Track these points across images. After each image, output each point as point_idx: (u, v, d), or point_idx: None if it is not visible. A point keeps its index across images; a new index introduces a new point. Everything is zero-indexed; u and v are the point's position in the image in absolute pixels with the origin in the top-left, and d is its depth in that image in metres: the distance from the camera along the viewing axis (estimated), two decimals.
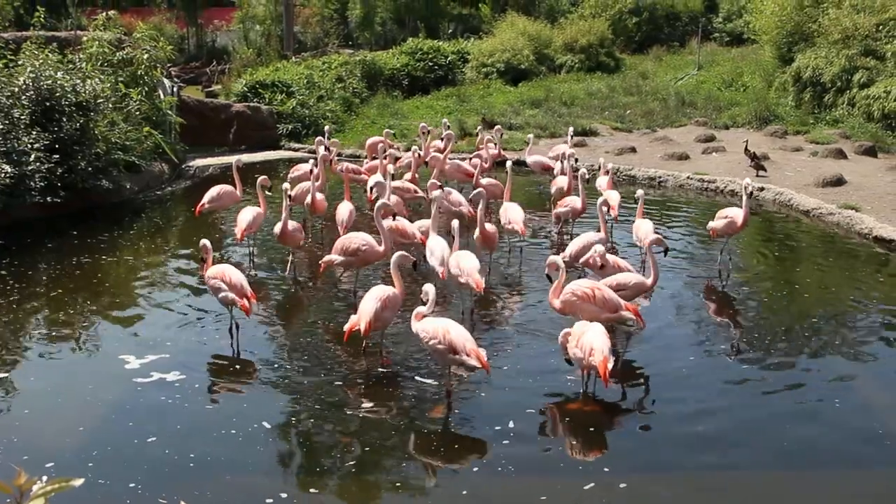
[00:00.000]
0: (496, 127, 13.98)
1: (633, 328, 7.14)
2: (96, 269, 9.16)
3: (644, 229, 8.63)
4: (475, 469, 5.16)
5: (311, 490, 4.92)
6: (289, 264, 8.92)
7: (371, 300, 6.42)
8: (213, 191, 10.13)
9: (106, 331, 7.43)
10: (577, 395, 6.09)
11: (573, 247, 8.17)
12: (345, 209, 9.32)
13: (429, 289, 6.16)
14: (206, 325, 7.39)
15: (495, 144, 12.68)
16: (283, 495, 4.81)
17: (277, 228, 8.61)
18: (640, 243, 8.58)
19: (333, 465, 5.23)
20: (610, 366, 5.61)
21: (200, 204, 10.05)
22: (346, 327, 6.46)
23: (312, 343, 7.10)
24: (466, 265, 7.21)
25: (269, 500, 4.73)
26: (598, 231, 8.42)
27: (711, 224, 9.00)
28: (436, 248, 7.68)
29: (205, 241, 7.22)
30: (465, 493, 4.89)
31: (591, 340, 5.72)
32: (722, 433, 5.62)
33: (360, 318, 6.34)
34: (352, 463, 5.21)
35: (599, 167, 11.51)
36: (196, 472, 5.12)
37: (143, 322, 7.63)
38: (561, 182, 10.72)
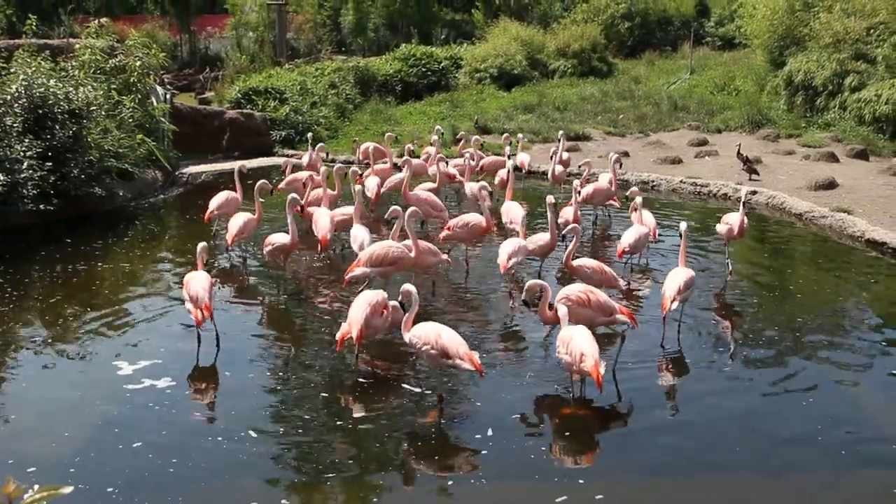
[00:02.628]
0: (504, 135, 13.95)
1: (624, 329, 7.13)
2: (90, 277, 9.14)
3: (647, 219, 9.19)
4: (450, 482, 5.08)
5: (283, 501, 4.87)
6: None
7: (360, 306, 6.38)
8: (221, 197, 10.10)
9: (99, 337, 7.40)
10: (562, 401, 6.07)
11: (629, 238, 8.52)
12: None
13: (410, 288, 6.07)
14: (200, 333, 7.34)
15: (510, 156, 12.51)
16: None
17: (285, 239, 8.42)
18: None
19: (310, 476, 5.16)
20: (602, 370, 5.61)
21: (209, 211, 10.01)
22: (338, 336, 6.44)
23: (304, 351, 7.08)
24: (514, 214, 8.70)
25: None
26: (634, 223, 9.03)
27: (718, 227, 9.09)
28: (358, 235, 8.53)
29: (200, 244, 7.38)
30: None
31: (580, 345, 5.70)
32: (710, 441, 5.58)
33: (351, 326, 6.32)
34: (330, 475, 5.15)
35: (617, 162, 11.72)
36: (175, 478, 5.10)
37: (136, 329, 7.60)
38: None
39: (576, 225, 8.15)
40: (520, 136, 14.24)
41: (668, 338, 7.20)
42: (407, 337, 5.94)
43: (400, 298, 6.15)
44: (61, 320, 7.81)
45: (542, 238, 8.50)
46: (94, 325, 7.69)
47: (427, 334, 5.80)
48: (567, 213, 9.60)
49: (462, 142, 14.02)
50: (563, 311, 6.14)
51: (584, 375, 5.84)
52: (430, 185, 11.26)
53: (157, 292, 8.69)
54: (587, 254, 8.97)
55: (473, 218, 9.02)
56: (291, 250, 8.68)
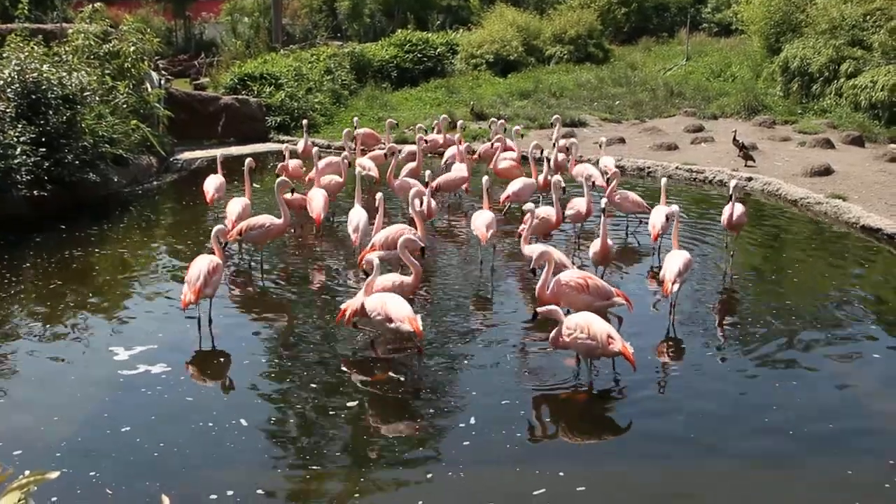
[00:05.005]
0: (494, 119, 13.89)
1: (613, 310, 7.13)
2: (86, 263, 9.12)
3: (634, 198, 9.59)
4: (429, 475, 5.01)
5: (259, 491, 4.84)
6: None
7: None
8: (215, 181, 10.27)
9: (95, 323, 7.40)
10: (548, 390, 6.05)
11: (660, 219, 8.56)
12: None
13: (372, 258, 6.45)
14: (201, 317, 7.29)
15: (509, 140, 12.59)
16: (230, 493, 4.76)
17: (277, 220, 8.53)
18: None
19: (293, 465, 5.14)
20: (631, 349, 5.72)
21: (211, 195, 10.14)
22: (343, 306, 6.63)
23: (300, 339, 7.06)
24: (477, 222, 8.47)
25: (213, 497, 4.71)
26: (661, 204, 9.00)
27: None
28: (354, 218, 8.63)
29: (216, 228, 7.40)
30: (420, 502, 4.78)
31: (604, 328, 5.79)
32: (698, 430, 5.56)
33: (351, 304, 6.56)
34: (312, 465, 5.11)
35: (600, 144, 12.22)
36: (158, 464, 5.11)
37: (132, 315, 7.60)
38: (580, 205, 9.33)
39: (531, 204, 8.37)
40: (493, 119, 14.08)
41: (662, 323, 7.22)
42: (366, 302, 6.28)
43: (364, 267, 6.49)
44: (57, 306, 7.80)
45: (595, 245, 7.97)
46: (91, 311, 7.69)
47: (375, 303, 6.19)
48: (579, 204, 9.25)
49: (434, 129, 13.96)
50: (558, 312, 6.03)
51: (610, 357, 5.97)
52: (455, 174, 10.91)
53: (153, 278, 8.68)
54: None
55: (545, 211, 8.79)
56: (283, 231, 8.77)
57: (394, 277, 6.85)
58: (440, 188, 10.42)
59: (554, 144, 12.05)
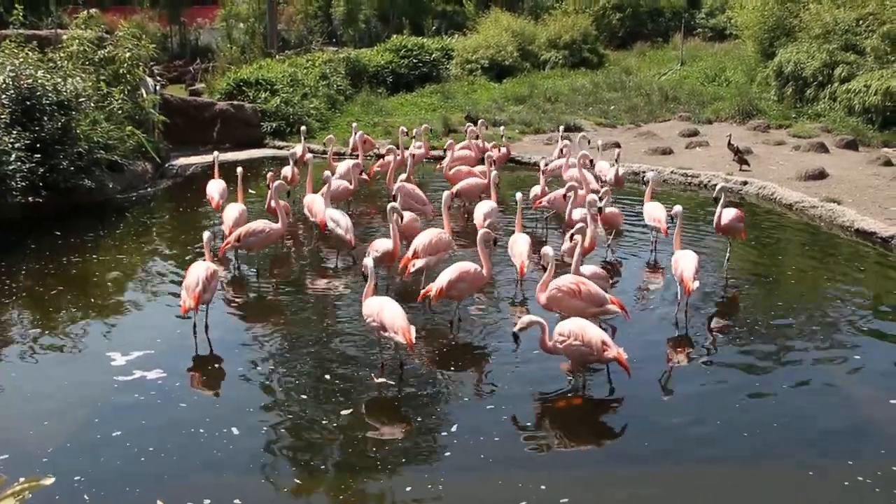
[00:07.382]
0: (471, 125, 13.94)
1: (611, 320, 7.13)
2: (82, 269, 9.10)
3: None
4: (408, 489, 4.96)
5: (236, 500, 4.79)
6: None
7: (452, 270, 6.89)
8: (219, 186, 10.29)
9: (91, 329, 7.38)
10: (534, 397, 6.04)
11: (663, 214, 8.81)
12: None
13: (367, 262, 6.42)
14: (196, 323, 7.27)
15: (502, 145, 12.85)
16: (207, 501, 4.73)
17: (275, 225, 8.63)
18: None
19: (274, 474, 5.12)
20: (625, 355, 5.73)
21: (216, 201, 10.13)
22: (423, 290, 6.91)
23: (296, 347, 7.02)
24: (476, 212, 9.05)
25: None
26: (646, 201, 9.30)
27: None
28: (341, 219, 8.78)
29: (206, 234, 7.47)
30: None
31: (596, 334, 5.81)
32: (690, 437, 5.53)
33: (435, 284, 6.85)
34: (297, 480, 5.07)
35: (597, 147, 12.29)
36: (143, 470, 5.10)
37: (129, 321, 7.60)
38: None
39: (520, 194, 8.76)
40: (468, 125, 14.11)
41: (656, 328, 7.23)
42: (365, 305, 6.26)
43: (363, 270, 6.45)
44: (54, 312, 7.79)
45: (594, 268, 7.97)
46: (87, 317, 7.68)
47: (372, 308, 6.14)
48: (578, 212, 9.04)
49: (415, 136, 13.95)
50: (534, 321, 5.97)
51: (604, 363, 5.98)
52: (474, 180, 10.80)
53: (149, 284, 8.68)
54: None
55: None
56: (280, 235, 8.84)
57: (471, 266, 6.98)
58: (460, 195, 10.46)
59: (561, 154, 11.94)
